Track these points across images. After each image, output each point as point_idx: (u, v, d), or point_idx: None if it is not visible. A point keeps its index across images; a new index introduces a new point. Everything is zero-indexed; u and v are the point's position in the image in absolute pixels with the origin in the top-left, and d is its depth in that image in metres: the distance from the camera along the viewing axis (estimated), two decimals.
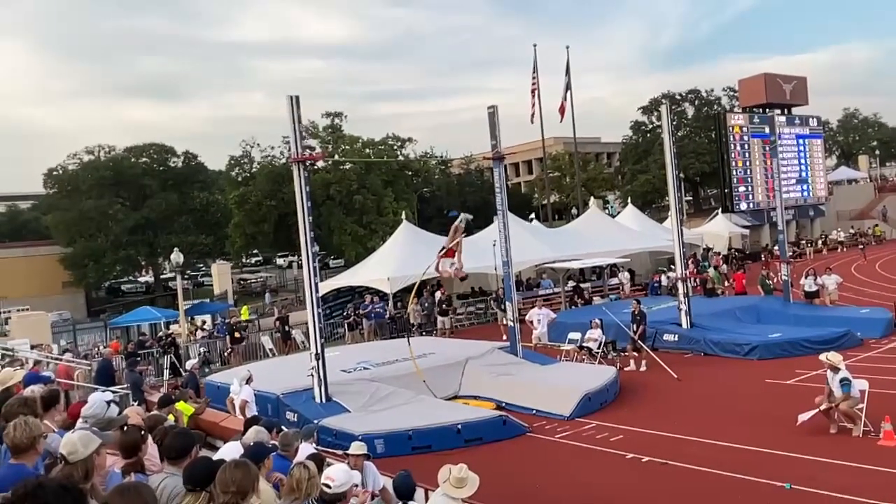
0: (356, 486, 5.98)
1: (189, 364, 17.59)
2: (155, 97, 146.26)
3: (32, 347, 22.12)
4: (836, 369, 11.13)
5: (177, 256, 29.66)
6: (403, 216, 32.58)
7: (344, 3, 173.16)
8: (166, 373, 21.54)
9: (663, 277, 28.42)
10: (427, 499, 6.71)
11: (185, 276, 48.14)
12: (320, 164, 45.22)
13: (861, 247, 42.86)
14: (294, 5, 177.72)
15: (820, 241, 48.96)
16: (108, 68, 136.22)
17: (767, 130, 48.81)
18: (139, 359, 20.32)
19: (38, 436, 4.51)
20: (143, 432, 5.38)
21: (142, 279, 61.26)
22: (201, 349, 24.44)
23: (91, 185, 51.11)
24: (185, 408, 10.15)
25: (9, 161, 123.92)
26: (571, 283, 29.63)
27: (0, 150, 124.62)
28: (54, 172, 53.30)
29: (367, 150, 46.01)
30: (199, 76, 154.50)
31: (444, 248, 15.50)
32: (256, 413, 11.44)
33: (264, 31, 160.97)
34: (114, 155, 53.60)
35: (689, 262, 26.91)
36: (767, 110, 50.95)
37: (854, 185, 65.30)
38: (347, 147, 46.40)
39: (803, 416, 11.04)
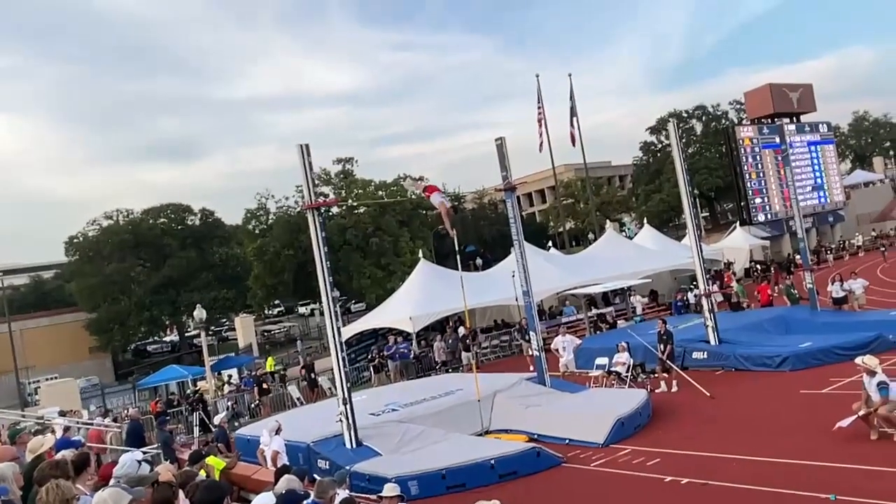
0: None
1: (217, 419, 17.61)
2: (170, 158, 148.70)
3: (63, 414, 22.27)
4: (872, 373, 10.90)
5: (200, 313, 29.86)
6: (420, 255, 32.65)
7: (349, 52, 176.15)
8: (196, 430, 21.54)
9: (690, 295, 28.15)
10: None
11: (210, 332, 48.39)
12: (335, 209, 45.64)
13: (882, 249, 42.30)
14: (301, 58, 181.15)
15: (840, 248, 48.35)
16: (122, 133, 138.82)
17: (778, 140, 48.60)
18: (168, 417, 20.40)
19: (70, 498, 4.51)
20: (174, 488, 5.36)
21: (167, 338, 61.66)
22: (229, 403, 24.48)
23: (112, 249, 51.91)
24: (216, 462, 10.11)
25: (30, 232, 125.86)
26: (595, 311, 29.49)
27: (21, 222, 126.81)
28: (75, 240, 54.22)
29: (380, 193, 46.36)
30: (213, 134, 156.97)
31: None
32: (287, 463, 11.40)
33: (273, 85, 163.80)
34: (132, 218, 54.52)
35: (714, 277, 26.67)
36: (776, 120, 50.80)
37: (871, 188, 64.65)
38: (360, 191, 46.81)
39: (842, 423, 10.81)
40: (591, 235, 53.32)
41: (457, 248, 17.99)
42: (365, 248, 45.14)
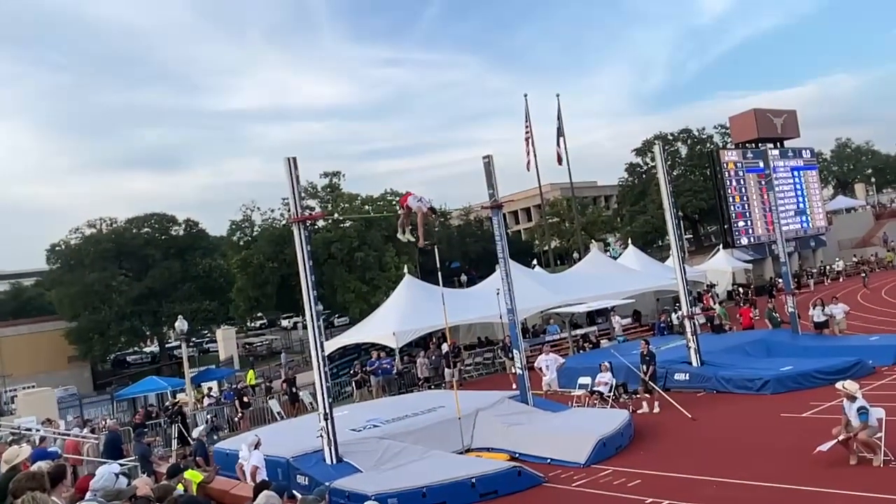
0: None
1: (196, 432, 17.40)
2: (155, 167, 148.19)
3: (41, 424, 21.96)
4: (852, 398, 10.97)
5: (181, 324, 29.57)
6: (406, 270, 32.60)
7: (337, 66, 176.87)
8: (174, 442, 21.30)
9: (673, 316, 28.26)
10: None
11: (191, 344, 47.95)
12: (321, 223, 45.45)
13: (864, 275, 42.66)
14: (289, 71, 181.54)
15: (821, 272, 48.76)
16: (108, 142, 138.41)
17: (761, 165, 49.21)
18: (146, 430, 20.16)
19: None
20: (151, 502, 5.30)
21: (147, 349, 61.04)
22: (208, 416, 24.24)
23: (94, 258, 51.37)
24: (194, 476, 9.98)
25: (12, 239, 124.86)
26: (580, 331, 29.56)
27: (3, 229, 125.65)
28: (57, 248, 53.68)
29: (367, 207, 46.31)
30: (199, 145, 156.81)
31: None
32: (267, 478, 11.27)
33: (261, 97, 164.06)
34: (115, 227, 54.08)
35: (694, 299, 26.82)
36: (760, 145, 51.43)
37: (853, 214, 65.51)
38: (346, 205, 46.72)
39: (822, 447, 10.86)
40: (575, 255, 53.62)
41: (438, 265, 17.98)
42: (350, 262, 44.99)
